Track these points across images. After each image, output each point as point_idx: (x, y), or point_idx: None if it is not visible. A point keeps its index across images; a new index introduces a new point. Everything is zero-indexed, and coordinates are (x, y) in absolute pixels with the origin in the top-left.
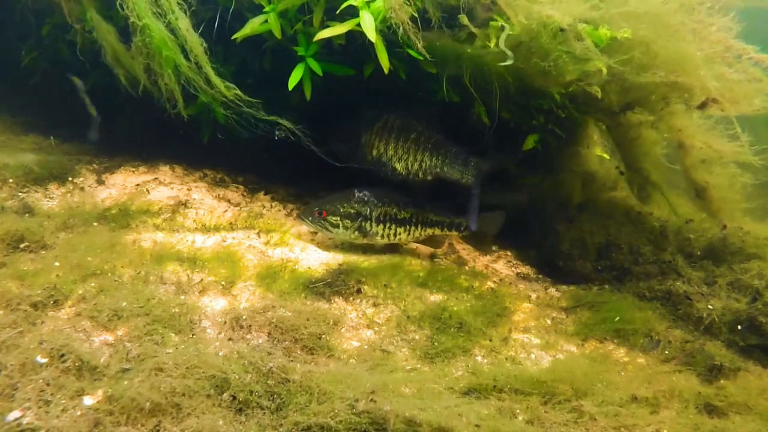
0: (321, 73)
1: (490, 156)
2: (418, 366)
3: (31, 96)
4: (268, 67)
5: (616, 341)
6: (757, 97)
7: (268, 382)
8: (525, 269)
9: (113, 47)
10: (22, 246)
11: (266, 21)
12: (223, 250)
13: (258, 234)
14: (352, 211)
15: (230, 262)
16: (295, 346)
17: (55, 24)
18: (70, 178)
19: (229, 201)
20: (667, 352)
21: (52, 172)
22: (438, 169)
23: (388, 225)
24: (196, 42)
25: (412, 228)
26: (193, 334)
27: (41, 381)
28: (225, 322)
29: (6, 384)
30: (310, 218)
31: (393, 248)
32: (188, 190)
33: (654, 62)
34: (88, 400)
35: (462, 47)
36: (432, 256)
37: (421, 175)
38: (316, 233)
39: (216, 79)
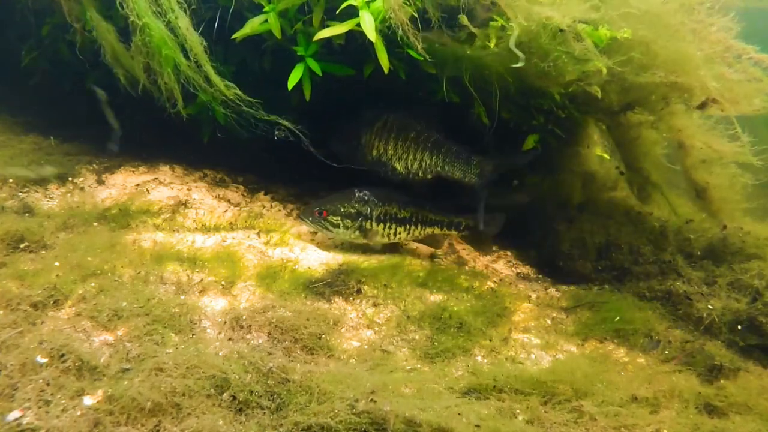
0: (320, 73)
1: (491, 155)
2: (418, 366)
3: (31, 96)
4: (267, 67)
5: (616, 341)
6: (757, 97)
7: (268, 382)
8: (525, 269)
9: (113, 46)
10: (22, 246)
11: (266, 21)
12: (223, 250)
13: (258, 234)
14: (353, 210)
15: (230, 262)
16: (295, 346)
17: (55, 24)
18: (70, 178)
19: (229, 201)
20: (667, 352)
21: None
22: (438, 168)
23: (388, 224)
24: (195, 41)
25: (412, 227)
26: (193, 334)
27: (41, 381)
28: (225, 322)
29: (6, 384)
30: (310, 218)
31: (393, 248)
32: (188, 190)
33: (654, 62)
34: (88, 400)
35: (462, 47)
36: (432, 256)
37: (420, 174)
38: (316, 233)
39: (216, 78)
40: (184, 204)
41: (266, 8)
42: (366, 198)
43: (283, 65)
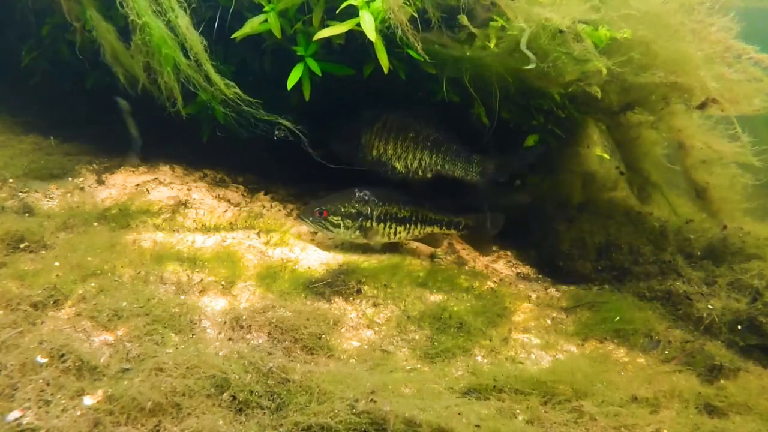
0: (320, 73)
1: (492, 155)
2: (418, 366)
3: (31, 96)
4: (267, 66)
5: (616, 341)
6: (757, 97)
7: (268, 382)
8: (525, 269)
9: (112, 46)
10: (22, 246)
11: (266, 20)
12: (223, 250)
13: (258, 234)
14: (353, 210)
15: (230, 262)
16: (295, 346)
17: (55, 24)
18: (70, 178)
19: (229, 201)
20: (667, 352)
21: (52, 172)
22: (438, 167)
23: (388, 224)
24: (195, 39)
25: (412, 226)
26: (193, 334)
27: (41, 381)
28: (225, 322)
29: (6, 384)
30: (310, 218)
31: (393, 248)
32: (188, 190)
33: (654, 62)
34: (88, 400)
35: (462, 48)
36: (432, 256)
37: (420, 173)
38: (315, 233)
39: (216, 77)
40: (184, 204)
41: (266, 8)
42: (366, 198)
43: (283, 65)
